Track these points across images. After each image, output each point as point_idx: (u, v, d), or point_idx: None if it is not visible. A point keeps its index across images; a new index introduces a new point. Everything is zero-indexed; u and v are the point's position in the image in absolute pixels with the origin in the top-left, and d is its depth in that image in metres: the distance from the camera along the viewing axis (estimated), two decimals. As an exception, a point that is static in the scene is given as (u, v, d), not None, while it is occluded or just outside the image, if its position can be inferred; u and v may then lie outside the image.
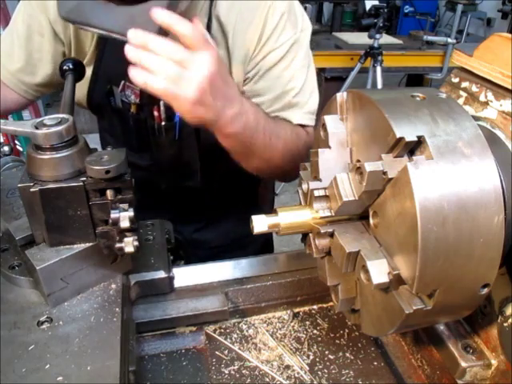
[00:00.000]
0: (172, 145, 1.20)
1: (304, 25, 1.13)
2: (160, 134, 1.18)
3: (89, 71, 1.16)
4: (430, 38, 4.32)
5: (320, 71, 4.23)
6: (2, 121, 0.69)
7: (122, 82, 1.16)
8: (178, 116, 1.12)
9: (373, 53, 3.75)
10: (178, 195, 1.33)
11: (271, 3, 1.06)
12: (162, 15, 0.78)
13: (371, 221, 0.62)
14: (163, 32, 0.81)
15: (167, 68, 0.77)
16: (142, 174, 1.26)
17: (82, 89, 1.20)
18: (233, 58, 1.10)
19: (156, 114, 1.16)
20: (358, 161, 0.62)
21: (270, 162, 1.07)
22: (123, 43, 0.81)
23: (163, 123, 1.16)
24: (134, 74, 0.78)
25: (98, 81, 1.19)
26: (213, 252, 1.39)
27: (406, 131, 0.52)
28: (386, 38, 4.15)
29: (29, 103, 1.31)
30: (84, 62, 1.13)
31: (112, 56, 1.14)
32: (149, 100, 1.14)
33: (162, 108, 1.14)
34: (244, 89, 1.13)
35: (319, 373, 0.86)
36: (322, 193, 0.64)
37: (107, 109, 1.24)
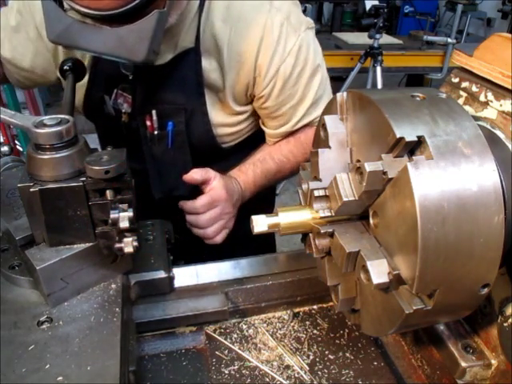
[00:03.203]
0: (165, 153, 1.20)
1: (304, 23, 1.13)
2: (153, 142, 1.19)
3: (85, 78, 1.17)
4: (430, 38, 4.32)
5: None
6: (3, 109, 0.70)
7: (115, 91, 1.17)
8: (171, 124, 1.15)
9: (373, 53, 3.75)
10: (171, 205, 1.33)
11: (267, 16, 1.06)
12: (193, 179, 1.06)
13: (371, 221, 0.62)
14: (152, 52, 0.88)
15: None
16: (137, 177, 1.26)
17: (78, 95, 1.19)
18: (227, 68, 1.10)
19: (148, 123, 1.16)
20: (358, 161, 0.62)
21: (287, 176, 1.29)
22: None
23: (156, 132, 1.17)
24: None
25: (94, 87, 1.20)
26: (211, 252, 1.39)
27: (406, 131, 0.52)
28: (386, 38, 4.14)
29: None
30: None
31: (107, 64, 1.12)
32: (140, 109, 1.15)
33: (154, 117, 1.14)
34: (266, 105, 1.16)
35: (319, 373, 0.86)
36: (321, 193, 0.64)
37: (101, 116, 1.24)
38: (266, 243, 1.55)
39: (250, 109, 1.21)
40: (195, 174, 1.07)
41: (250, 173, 1.21)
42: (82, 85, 1.17)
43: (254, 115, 1.24)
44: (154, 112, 1.14)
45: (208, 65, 1.10)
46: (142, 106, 1.15)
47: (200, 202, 1.08)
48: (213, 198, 1.08)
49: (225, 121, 1.19)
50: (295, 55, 1.10)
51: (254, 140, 1.29)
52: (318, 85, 1.18)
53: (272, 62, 1.08)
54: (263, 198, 1.44)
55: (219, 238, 1.13)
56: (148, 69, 1.07)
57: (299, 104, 1.17)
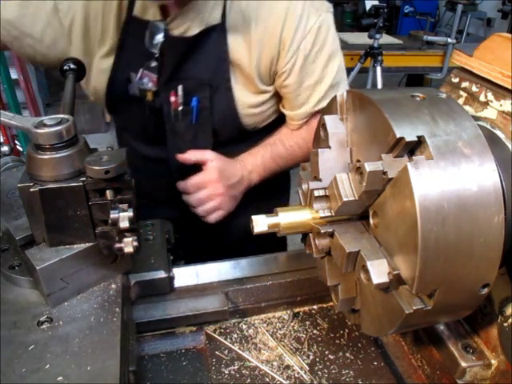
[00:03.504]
0: (188, 130, 1.22)
1: (325, 5, 1.17)
2: (176, 119, 1.20)
3: (110, 60, 1.20)
4: (430, 38, 4.32)
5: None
6: (2, 112, 0.70)
7: (141, 70, 1.18)
8: (196, 100, 1.17)
9: (373, 53, 3.75)
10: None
11: None
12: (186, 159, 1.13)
13: (371, 221, 0.62)
14: None
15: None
16: (157, 167, 1.30)
17: (101, 81, 1.22)
18: (254, 44, 1.13)
19: (173, 99, 1.18)
20: (358, 161, 0.62)
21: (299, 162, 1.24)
22: (144, 32, 1.11)
23: (180, 108, 1.18)
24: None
25: (119, 69, 1.21)
26: (225, 245, 1.41)
27: (406, 131, 0.52)
28: (386, 38, 4.15)
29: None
30: (105, 50, 1.18)
31: (133, 44, 1.17)
32: (166, 86, 1.17)
33: (180, 93, 1.16)
34: (287, 82, 1.18)
35: (319, 373, 0.86)
36: (322, 193, 0.64)
37: (124, 99, 1.25)
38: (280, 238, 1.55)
39: (272, 89, 1.23)
40: (189, 155, 1.13)
41: (258, 156, 1.24)
42: (106, 68, 1.20)
43: (276, 98, 1.26)
44: (180, 87, 1.15)
45: (234, 41, 1.13)
46: (168, 83, 1.16)
47: (190, 182, 1.15)
48: (202, 180, 1.15)
49: (249, 100, 1.21)
50: (315, 33, 1.14)
51: (273, 128, 1.31)
52: (336, 68, 1.21)
53: (295, 36, 1.12)
54: (276, 185, 1.46)
55: (211, 218, 1.18)
56: (175, 44, 1.12)
57: (318, 83, 1.20)
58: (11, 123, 0.69)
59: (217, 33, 1.12)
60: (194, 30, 1.12)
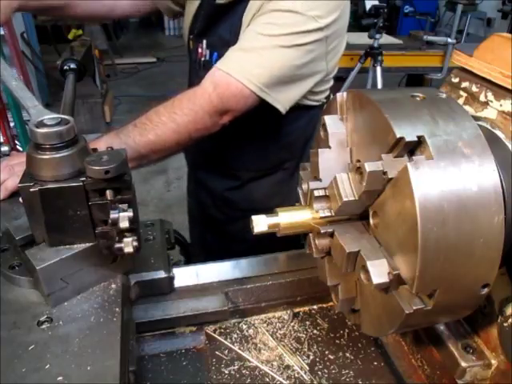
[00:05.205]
0: None
1: (322, 18, 1.16)
2: (200, 68, 1.37)
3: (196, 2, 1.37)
4: (430, 37, 4.32)
5: (320, 71, 4.23)
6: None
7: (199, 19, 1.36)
8: (216, 55, 1.31)
9: (373, 53, 3.75)
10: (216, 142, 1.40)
11: None
12: None
13: (371, 221, 0.62)
14: None
15: None
16: None
17: (188, 17, 1.41)
18: (249, 6, 1.20)
19: (200, 50, 1.37)
20: (358, 161, 0.62)
21: (187, 135, 1.17)
22: None
23: (203, 59, 1.36)
24: None
25: (200, 12, 1.37)
26: (245, 216, 1.42)
27: (406, 131, 0.52)
28: (385, 38, 4.14)
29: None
30: None
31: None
32: (196, 38, 1.38)
33: (204, 46, 1.35)
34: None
35: (319, 373, 0.86)
36: (321, 193, 0.64)
37: (187, 45, 1.46)
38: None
39: None
40: None
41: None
42: (193, 9, 1.38)
43: None
44: (204, 41, 1.35)
45: (250, 9, 1.21)
46: (198, 35, 1.37)
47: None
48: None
49: None
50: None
51: None
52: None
53: None
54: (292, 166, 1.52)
55: None
56: (208, 7, 1.31)
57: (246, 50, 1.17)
58: (12, 86, 0.68)
59: (245, 2, 1.22)
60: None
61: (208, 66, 1.29)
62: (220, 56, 1.25)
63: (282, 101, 1.20)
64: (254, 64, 1.15)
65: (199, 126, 1.17)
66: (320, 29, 1.16)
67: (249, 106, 1.19)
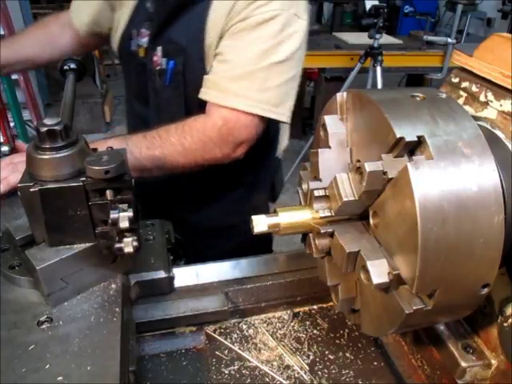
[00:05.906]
0: (163, 90, 1.27)
1: (301, 14, 1.13)
2: (155, 77, 1.27)
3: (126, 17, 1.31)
4: (430, 37, 4.31)
5: (320, 71, 4.23)
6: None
7: (141, 28, 1.28)
8: (172, 63, 1.23)
9: (373, 53, 3.74)
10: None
11: None
12: None
13: (371, 221, 0.62)
14: None
15: None
16: (145, 126, 1.28)
17: (116, 35, 1.35)
18: (213, 6, 1.14)
19: (155, 58, 1.26)
20: (358, 161, 0.62)
21: (193, 162, 1.16)
22: None
23: (158, 67, 1.25)
24: None
25: (127, 26, 1.32)
26: (205, 235, 1.41)
27: (406, 131, 0.52)
28: (385, 38, 4.13)
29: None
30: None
31: (140, 2, 1.28)
32: (152, 45, 1.26)
33: (159, 53, 1.24)
34: (223, 43, 1.16)
35: (319, 373, 0.86)
36: (321, 193, 0.64)
37: (126, 55, 1.36)
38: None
39: None
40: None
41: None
42: (124, 23, 1.32)
43: None
44: (159, 48, 1.24)
45: (215, 13, 1.14)
46: (153, 42, 1.26)
47: None
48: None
49: None
50: (266, 18, 1.08)
51: None
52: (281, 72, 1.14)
53: (246, 8, 1.10)
54: (260, 183, 1.48)
55: None
56: (162, 6, 1.22)
57: (242, 77, 1.12)
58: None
59: (204, 2, 1.15)
60: None
61: (163, 75, 1.25)
62: (177, 64, 1.21)
63: (287, 112, 1.20)
64: (257, 90, 1.13)
65: (207, 156, 1.15)
66: (302, 24, 1.15)
67: (260, 130, 1.18)
